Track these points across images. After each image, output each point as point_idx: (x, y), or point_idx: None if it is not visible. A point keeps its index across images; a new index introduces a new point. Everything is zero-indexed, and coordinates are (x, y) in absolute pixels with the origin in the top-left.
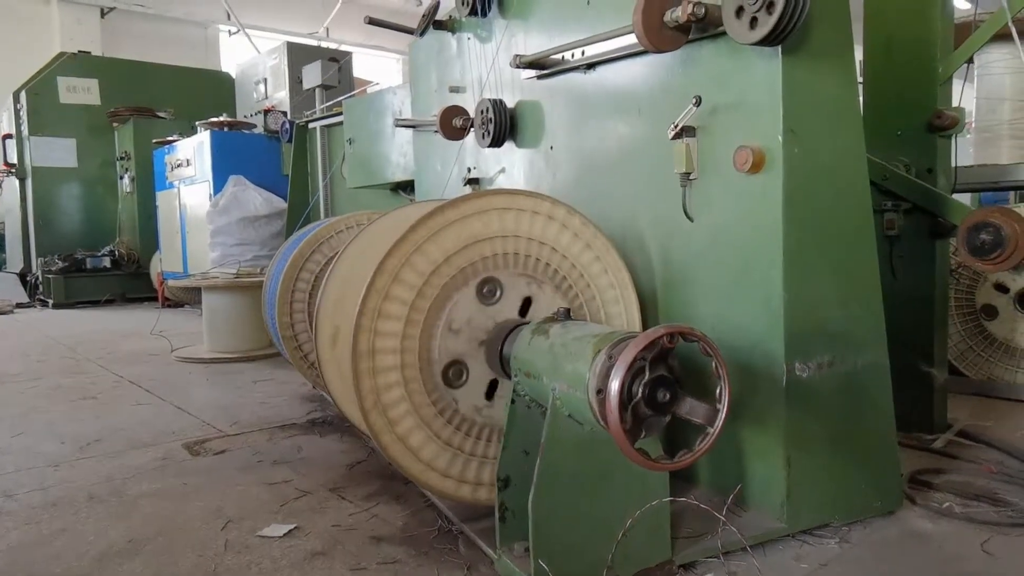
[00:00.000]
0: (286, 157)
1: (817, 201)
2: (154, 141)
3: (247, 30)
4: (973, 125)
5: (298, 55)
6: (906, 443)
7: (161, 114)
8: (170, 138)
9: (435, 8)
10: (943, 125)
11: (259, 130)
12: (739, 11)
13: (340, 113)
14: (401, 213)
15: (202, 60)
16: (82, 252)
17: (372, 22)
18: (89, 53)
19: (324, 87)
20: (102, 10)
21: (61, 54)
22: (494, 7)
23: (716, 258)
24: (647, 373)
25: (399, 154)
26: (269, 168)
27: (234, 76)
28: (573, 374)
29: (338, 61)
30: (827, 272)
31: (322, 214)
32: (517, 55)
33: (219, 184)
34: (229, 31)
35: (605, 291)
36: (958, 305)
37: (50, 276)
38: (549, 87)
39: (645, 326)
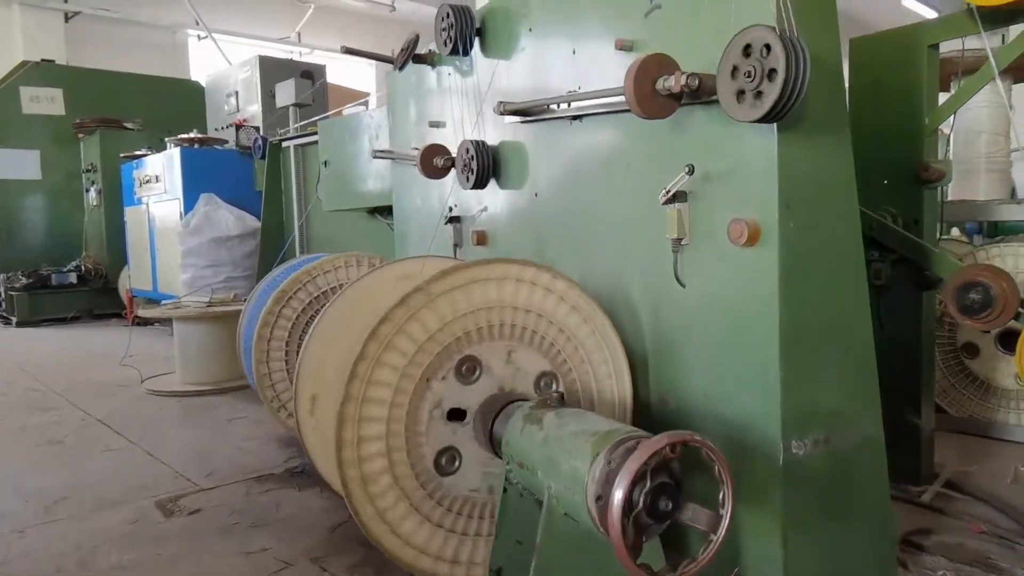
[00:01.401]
0: (259, 173)
1: (814, 276)
2: (122, 155)
3: (217, 35)
4: (951, 157)
5: (271, 68)
6: (894, 495)
7: (128, 125)
8: (138, 152)
9: (414, 42)
10: (930, 179)
11: (231, 145)
12: (739, 94)
13: (315, 132)
14: (385, 277)
15: (171, 65)
16: (47, 268)
17: (348, 51)
18: (53, 62)
19: (298, 105)
20: (66, 14)
21: (24, 63)
22: (476, 46)
23: (709, 327)
24: (648, 481)
25: (376, 178)
26: (241, 185)
27: (204, 85)
28: (570, 475)
29: (312, 76)
30: (824, 348)
31: (296, 237)
32: (501, 102)
33: (190, 202)
34: (198, 36)
35: (593, 353)
36: (940, 343)
37: (14, 293)
38: (534, 130)
39: (636, 393)
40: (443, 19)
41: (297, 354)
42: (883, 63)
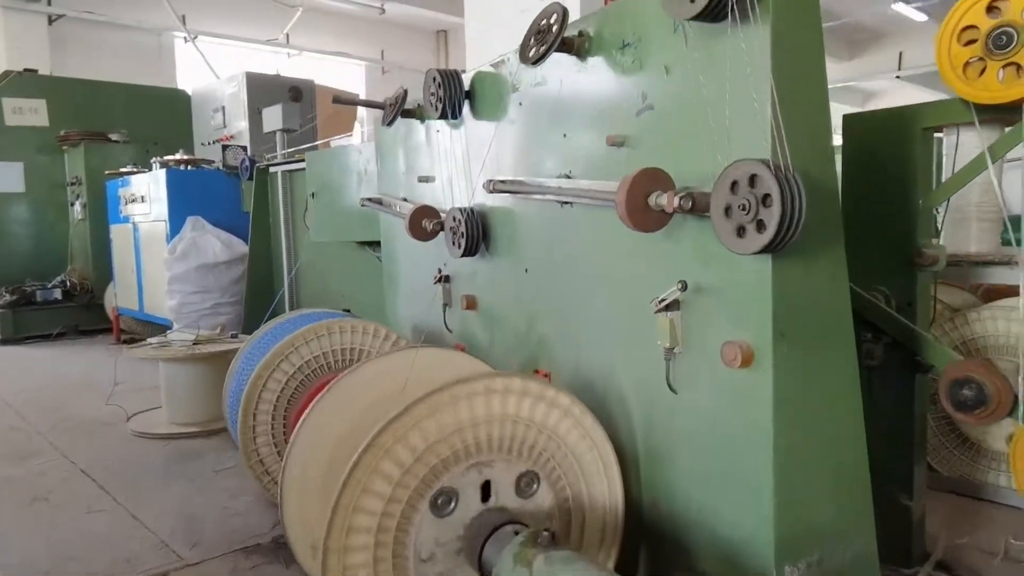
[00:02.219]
0: (246, 194)
1: (809, 401)
2: (107, 173)
3: (204, 37)
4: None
5: (258, 85)
6: None
7: (113, 137)
8: (124, 169)
9: (403, 97)
10: (924, 264)
11: (218, 163)
12: (739, 230)
13: (303, 159)
14: (368, 376)
15: (156, 68)
16: (32, 283)
17: (337, 101)
18: (36, 72)
19: (285, 131)
20: (49, 17)
21: (7, 72)
22: (465, 109)
23: (701, 440)
24: None
25: (364, 213)
26: (229, 206)
27: (190, 93)
28: None
29: (300, 94)
30: (818, 471)
31: (284, 266)
32: (491, 180)
33: (176, 224)
34: (185, 38)
35: (583, 456)
36: (932, 401)
37: None
38: (526, 204)
39: (628, 493)
40: (432, 82)
41: (284, 425)
42: (877, 142)
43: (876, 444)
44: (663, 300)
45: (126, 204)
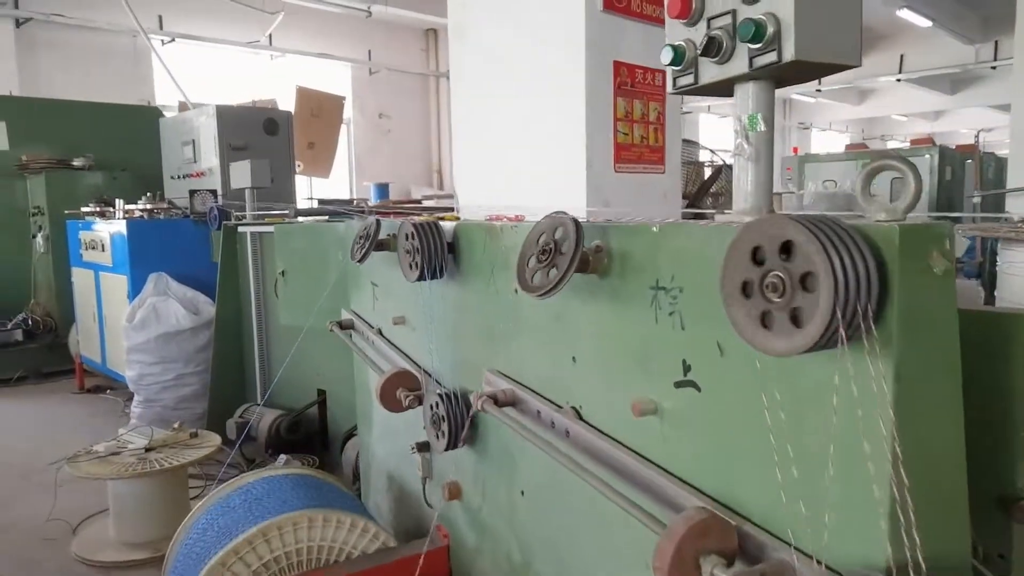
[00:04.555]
0: (215, 244)
1: None
2: (66, 212)
3: (182, 40)
4: None
5: (229, 120)
6: None
7: (77, 163)
8: (85, 209)
9: (375, 229)
10: (1020, 519)
11: (185, 202)
12: None
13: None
14: None
15: (132, 72)
16: None
17: None
18: None
19: (255, 188)
20: (17, 20)
21: None
22: (449, 268)
23: None
24: None
25: (341, 294)
26: (196, 256)
27: (163, 111)
28: None
29: (276, 127)
30: None
31: (255, 339)
32: (481, 396)
33: (137, 280)
34: (162, 40)
35: None
36: None
37: None
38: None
39: None
40: (407, 238)
41: None
42: (972, 347)
43: None
44: None
45: (86, 249)
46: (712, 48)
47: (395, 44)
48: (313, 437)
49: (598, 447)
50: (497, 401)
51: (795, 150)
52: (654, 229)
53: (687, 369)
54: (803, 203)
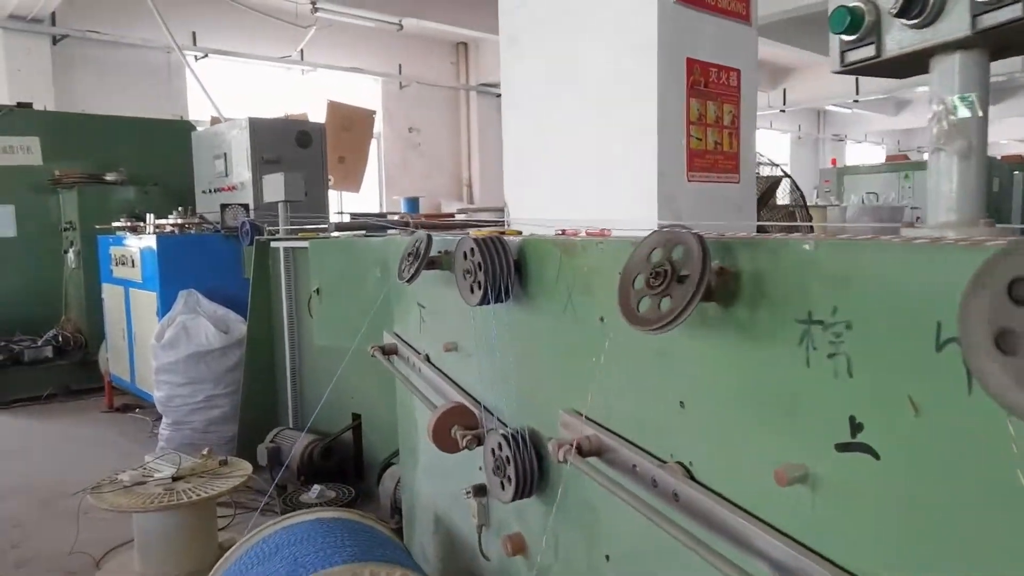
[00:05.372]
0: (247, 260)
1: None
2: (97, 228)
3: (215, 56)
4: None
5: (262, 132)
6: None
7: (109, 178)
8: (116, 224)
9: (427, 245)
10: None
11: (216, 217)
12: None
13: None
14: None
15: (166, 88)
16: (21, 338)
17: None
18: (30, 105)
19: (288, 202)
20: (54, 38)
21: None
22: (515, 290)
23: None
24: None
25: (380, 314)
26: (227, 272)
27: (196, 125)
28: None
29: (309, 139)
30: None
31: (287, 360)
32: (563, 445)
33: (167, 296)
34: (195, 56)
35: None
36: None
37: None
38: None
39: None
40: (466, 256)
41: None
42: None
43: None
44: None
45: (117, 265)
46: (914, 5)
47: (425, 58)
48: (347, 463)
49: (719, 516)
50: (582, 450)
51: (833, 161)
52: (806, 247)
53: (857, 429)
54: (846, 216)
